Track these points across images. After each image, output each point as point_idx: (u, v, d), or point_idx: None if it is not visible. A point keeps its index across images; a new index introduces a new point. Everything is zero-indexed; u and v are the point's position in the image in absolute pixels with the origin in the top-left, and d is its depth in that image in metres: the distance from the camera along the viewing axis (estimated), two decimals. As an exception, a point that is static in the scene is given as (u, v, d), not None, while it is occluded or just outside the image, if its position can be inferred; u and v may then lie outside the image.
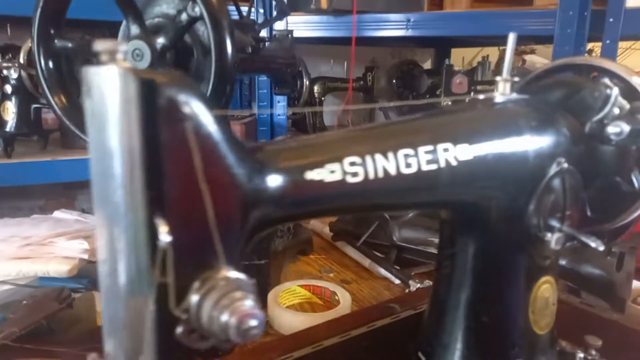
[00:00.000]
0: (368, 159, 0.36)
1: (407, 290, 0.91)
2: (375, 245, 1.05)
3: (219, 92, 0.72)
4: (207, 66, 0.83)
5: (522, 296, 0.48)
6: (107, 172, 0.27)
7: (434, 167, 0.39)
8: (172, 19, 0.74)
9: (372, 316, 0.63)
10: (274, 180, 0.32)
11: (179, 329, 0.29)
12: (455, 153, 0.40)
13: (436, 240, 1.03)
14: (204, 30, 0.77)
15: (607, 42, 1.24)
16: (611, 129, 0.48)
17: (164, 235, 0.27)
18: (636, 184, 0.53)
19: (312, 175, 0.33)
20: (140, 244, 0.27)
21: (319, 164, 0.33)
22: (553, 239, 0.45)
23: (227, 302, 0.27)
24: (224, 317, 0.27)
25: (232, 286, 0.28)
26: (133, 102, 0.25)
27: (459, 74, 1.48)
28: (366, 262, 1.03)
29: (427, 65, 2.18)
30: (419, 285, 0.90)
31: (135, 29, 0.71)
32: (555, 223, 0.47)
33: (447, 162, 0.39)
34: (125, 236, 0.27)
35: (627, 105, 0.49)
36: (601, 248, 0.45)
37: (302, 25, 1.43)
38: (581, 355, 0.53)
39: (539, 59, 1.98)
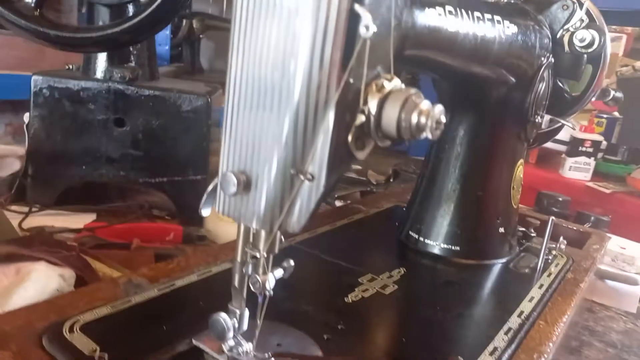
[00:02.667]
0: (458, 10, 0.38)
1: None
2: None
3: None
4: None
5: (509, 172, 0.56)
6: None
7: (492, 35, 0.43)
8: None
9: (339, 215, 0.66)
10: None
11: (350, 136, 0.28)
12: (503, 27, 0.44)
13: (354, 167, 1.10)
14: None
15: None
16: (579, 35, 0.58)
17: (369, 24, 0.26)
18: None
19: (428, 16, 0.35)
20: (338, 33, 0.26)
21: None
22: (543, 122, 0.54)
23: (413, 104, 0.27)
24: (415, 118, 0.27)
25: (409, 90, 0.28)
26: None
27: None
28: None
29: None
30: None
31: None
32: (541, 109, 0.55)
33: (499, 33, 0.44)
34: (314, 24, 0.26)
35: (586, 20, 0.59)
36: (577, 129, 0.54)
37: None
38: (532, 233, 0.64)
39: None
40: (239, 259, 0.33)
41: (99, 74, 0.78)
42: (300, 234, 0.56)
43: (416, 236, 0.57)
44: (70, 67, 0.84)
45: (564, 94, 0.63)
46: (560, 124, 0.64)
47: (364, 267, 0.50)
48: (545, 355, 0.40)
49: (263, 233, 0.31)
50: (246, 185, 0.29)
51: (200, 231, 0.78)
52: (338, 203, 0.95)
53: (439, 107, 0.27)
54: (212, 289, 0.42)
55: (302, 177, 0.28)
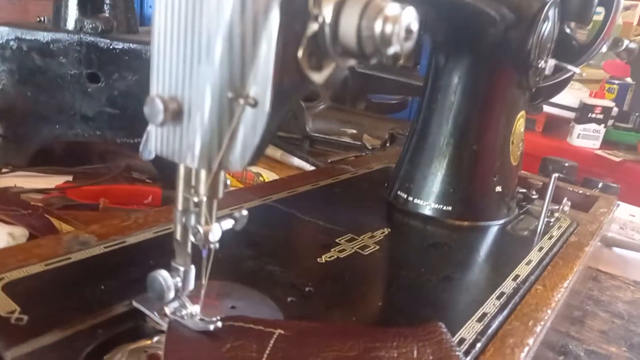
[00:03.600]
0: None
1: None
2: (286, 138, 1.01)
3: None
4: None
5: (508, 125, 0.51)
6: None
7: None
8: None
9: (324, 175, 0.61)
10: None
11: (301, 51, 0.23)
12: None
13: (349, 131, 1.04)
14: None
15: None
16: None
17: None
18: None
19: None
20: None
21: None
22: (547, 67, 0.48)
23: (377, 8, 0.22)
24: (379, 26, 0.22)
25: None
26: None
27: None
28: (277, 153, 0.99)
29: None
30: (338, 168, 0.90)
31: None
32: (545, 53, 0.49)
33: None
34: None
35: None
36: (584, 75, 0.49)
37: None
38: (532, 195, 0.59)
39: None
40: (180, 207, 0.28)
41: (70, 24, 0.72)
42: (277, 192, 0.51)
43: (405, 196, 0.52)
44: (42, 18, 0.79)
45: (572, 41, 0.57)
46: (568, 74, 0.57)
47: (344, 227, 0.45)
48: (542, 323, 0.35)
49: (203, 173, 0.26)
50: (176, 113, 0.24)
51: (181, 194, 0.73)
52: (331, 168, 0.90)
53: (410, 11, 0.22)
54: (167, 247, 0.38)
55: (242, 101, 0.23)
